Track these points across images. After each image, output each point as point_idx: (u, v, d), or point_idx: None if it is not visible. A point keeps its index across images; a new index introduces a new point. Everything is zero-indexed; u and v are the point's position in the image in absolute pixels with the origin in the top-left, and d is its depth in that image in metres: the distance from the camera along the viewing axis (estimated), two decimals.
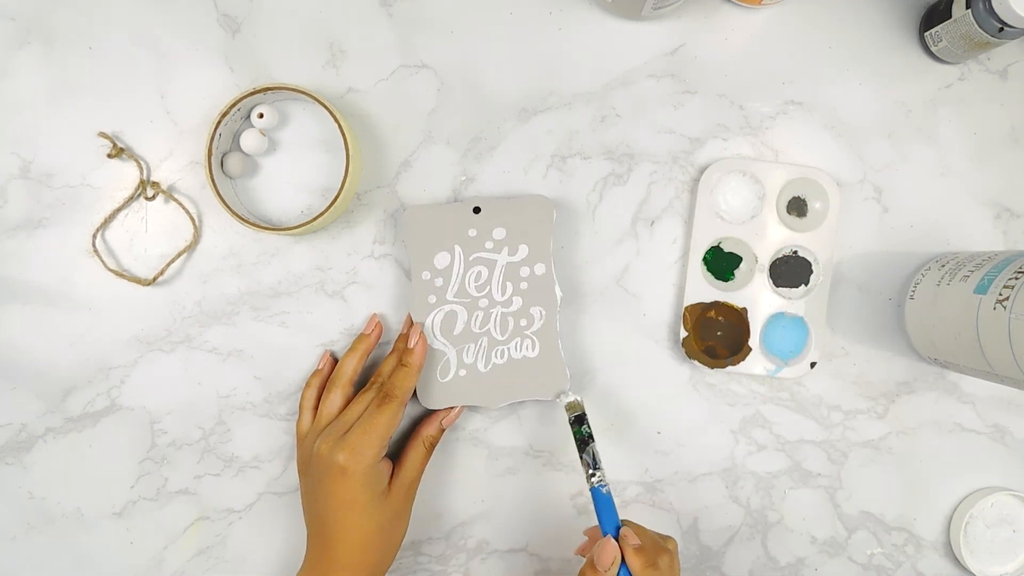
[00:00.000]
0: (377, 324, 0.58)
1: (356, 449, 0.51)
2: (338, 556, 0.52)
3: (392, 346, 0.58)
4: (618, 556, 0.48)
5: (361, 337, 0.58)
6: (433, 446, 0.56)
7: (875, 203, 0.61)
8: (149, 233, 0.58)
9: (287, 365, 0.59)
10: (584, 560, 0.51)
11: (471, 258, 0.57)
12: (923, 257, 0.61)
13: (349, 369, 0.56)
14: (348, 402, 0.55)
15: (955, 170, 0.61)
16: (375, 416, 0.53)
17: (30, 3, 0.57)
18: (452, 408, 0.57)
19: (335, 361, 0.59)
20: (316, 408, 0.57)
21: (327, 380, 0.57)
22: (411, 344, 0.56)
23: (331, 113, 0.54)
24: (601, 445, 0.57)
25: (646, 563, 0.48)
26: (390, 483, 0.53)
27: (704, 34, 0.59)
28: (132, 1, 0.57)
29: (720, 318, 0.59)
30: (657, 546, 0.50)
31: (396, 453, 0.56)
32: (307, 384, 0.58)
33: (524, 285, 0.57)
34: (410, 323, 0.57)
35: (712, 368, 0.59)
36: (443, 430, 0.57)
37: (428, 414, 0.58)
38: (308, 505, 0.55)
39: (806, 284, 0.60)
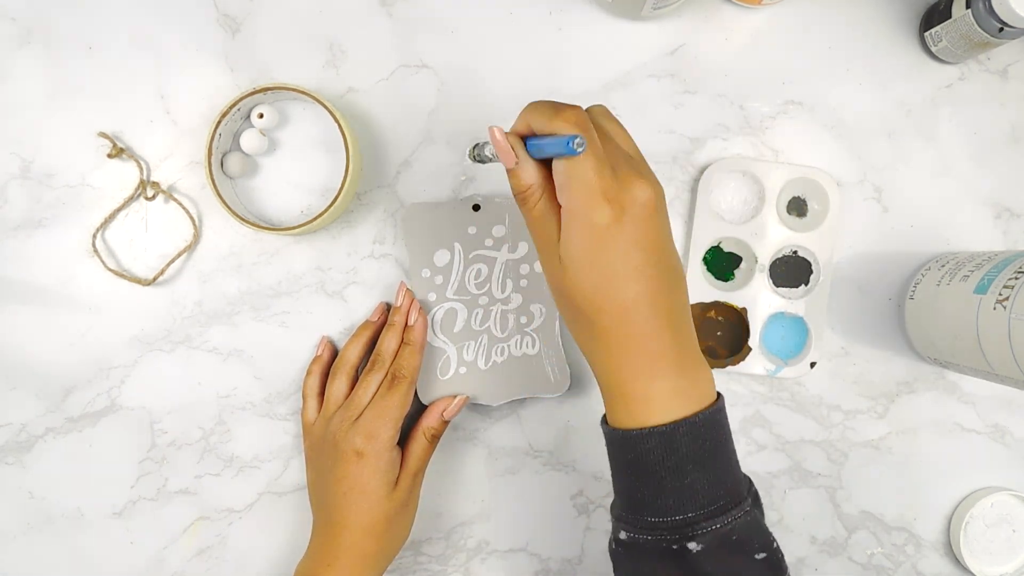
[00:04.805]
0: (383, 312, 0.58)
1: (371, 432, 0.52)
2: (343, 541, 0.52)
3: (390, 322, 0.57)
4: (510, 138, 0.42)
5: (366, 323, 0.58)
6: (435, 438, 0.56)
7: (875, 203, 0.61)
8: (149, 233, 0.58)
9: (287, 365, 0.59)
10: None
11: (471, 256, 0.57)
12: (923, 257, 0.61)
13: (353, 355, 0.56)
14: (353, 387, 0.55)
15: (955, 170, 0.61)
16: (386, 398, 0.53)
17: (30, 3, 0.57)
18: (452, 398, 0.57)
19: (334, 347, 0.59)
20: (320, 395, 0.57)
21: (328, 366, 0.57)
22: (411, 321, 0.56)
23: (331, 113, 0.54)
24: (600, 446, 0.56)
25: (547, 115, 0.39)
26: (397, 475, 0.54)
27: (704, 34, 0.59)
28: (132, 1, 0.57)
29: (720, 318, 0.59)
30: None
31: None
32: (308, 372, 0.58)
33: (524, 282, 0.57)
34: (404, 293, 0.57)
35: (712, 368, 0.59)
36: (446, 422, 0.57)
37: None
38: (317, 492, 0.55)
39: (806, 284, 0.60)
